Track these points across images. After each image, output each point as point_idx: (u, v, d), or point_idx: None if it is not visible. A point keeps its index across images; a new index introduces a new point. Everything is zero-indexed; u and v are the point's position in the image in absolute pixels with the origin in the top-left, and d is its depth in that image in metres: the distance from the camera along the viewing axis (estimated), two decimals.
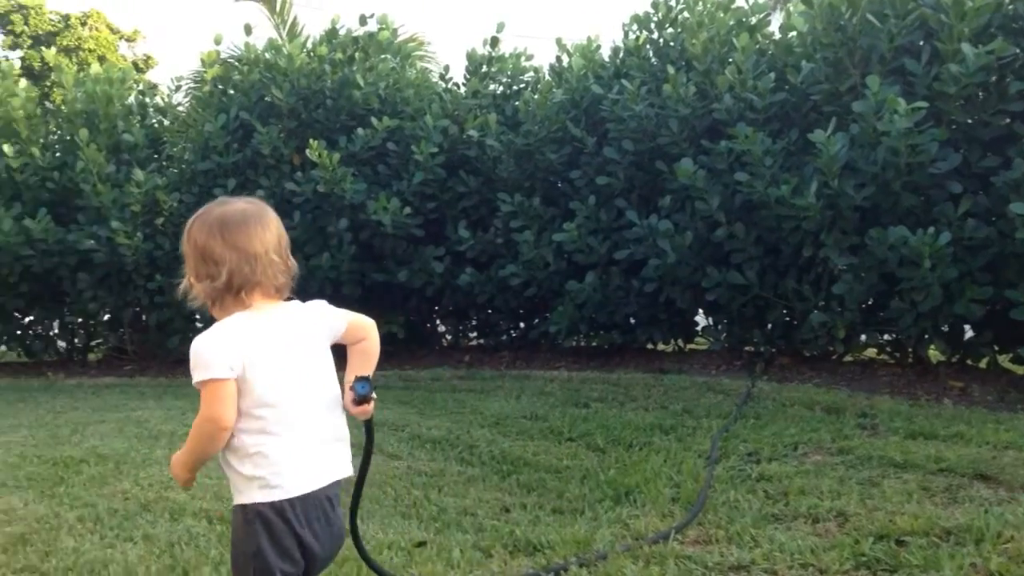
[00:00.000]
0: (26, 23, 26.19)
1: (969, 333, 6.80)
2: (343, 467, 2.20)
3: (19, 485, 4.31)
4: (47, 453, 5.04)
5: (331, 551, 2.18)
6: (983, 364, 6.78)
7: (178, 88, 10.36)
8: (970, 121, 6.31)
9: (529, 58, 9.38)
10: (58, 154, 9.52)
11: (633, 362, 8.14)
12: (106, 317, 9.99)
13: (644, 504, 3.78)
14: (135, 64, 25.82)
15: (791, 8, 7.60)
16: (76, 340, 10.31)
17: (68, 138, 9.47)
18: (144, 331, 9.66)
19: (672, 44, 8.16)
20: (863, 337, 7.22)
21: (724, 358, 7.88)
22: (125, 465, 4.68)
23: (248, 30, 9.34)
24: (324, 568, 2.21)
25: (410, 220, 8.44)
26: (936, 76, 6.17)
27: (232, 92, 9.29)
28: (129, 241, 8.59)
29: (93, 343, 10.38)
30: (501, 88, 9.36)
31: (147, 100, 10.11)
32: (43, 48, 13.32)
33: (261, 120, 8.79)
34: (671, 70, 7.46)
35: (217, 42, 9.59)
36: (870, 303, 7.06)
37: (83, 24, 26.96)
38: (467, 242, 8.57)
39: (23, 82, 10.01)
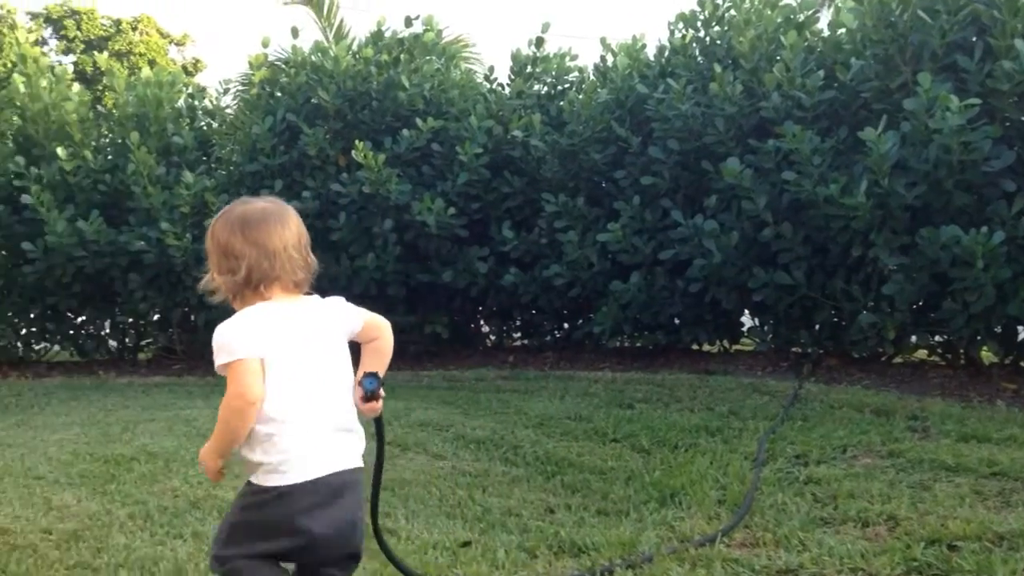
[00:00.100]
0: (79, 28, 26.72)
1: (1023, 334, 6.66)
2: (352, 458, 2.24)
3: (72, 482, 4.39)
4: (99, 451, 5.12)
5: (339, 539, 2.18)
6: None
7: (226, 91, 10.51)
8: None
9: (574, 58, 9.37)
10: (110, 157, 9.68)
11: (678, 363, 8.09)
12: (156, 317, 10.14)
13: (690, 506, 3.75)
14: (184, 68, 26.21)
15: (840, 5, 7.50)
16: (127, 340, 10.48)
17: (119, 141, 9.62)
18: (193, 331, 9.80)
19: (719, 42, 8.10)
20: (913, 338, 7.11)
21: (770, 359, 7.80)
22: (175, 463, 4.75)
23: (295, 33, 9.44)
24: (339, 556, 2.22)
25: (454, 220, 8.46)
26: (989, 73, 6.06)
27: (279, 94, 9.38)
28: (178, 242, 8.71)
29: (143, 343, 10.55)
30: (545, 88, 9.36)
31: (196, 103, 10.23)
32: (95, 53, 13.58)
33: (308, 122, 8.87)
34: (718, 68, 7.40)
35: (265, 45, 9.70)
36: (921, 304, 6.95)
37: (134, 29, 27.43)
38: (511, 242, 8.57)
39: (76, 86, 10.20)
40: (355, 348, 2.38)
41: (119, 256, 9.10)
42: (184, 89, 10.25)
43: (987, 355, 6.91)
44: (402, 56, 9.22)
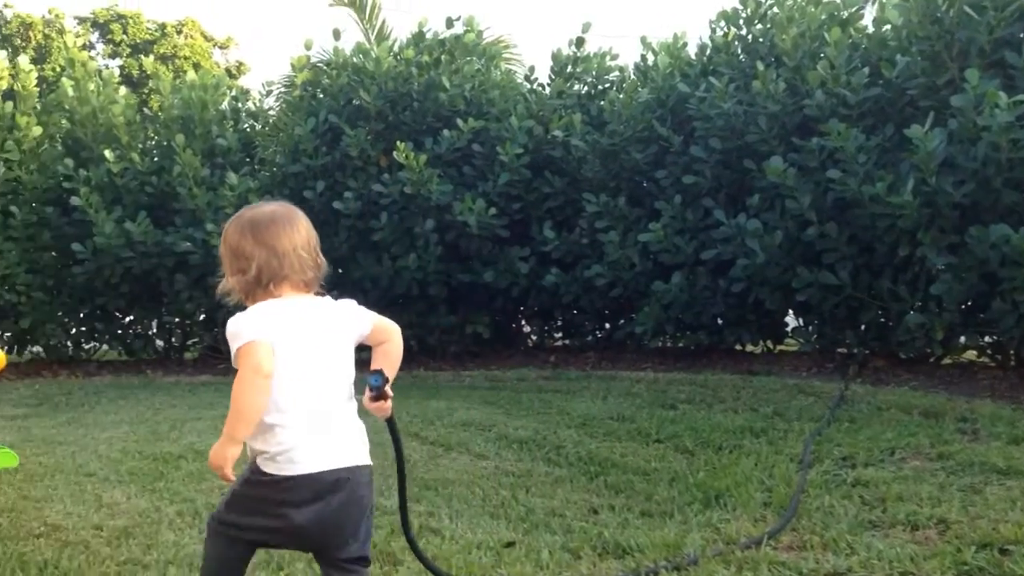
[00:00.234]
0: (125, 32, 27.11)
1: None
2: (350, 456, 2.27)
3: (121, 480, 4.45)
4: (147, 449, 5.20)
5: (322, 534, 2.23)
6: None
7: (269, 93, 10.61)
8: None
9: (614, 57, 9.35)
10: (156, 159, 9.82)
11: (721, 363, 8.03)
12: (202, 317, 10.27)
13: (735, 508, 3.71)
14: (228, 70, 26.53)
15: (885, 1, 7.40)
16: (173, 339, 10.62)
17: (165, 143, 9.75)
18: None
19: (761, 40, 8.03)
20: (962, 339, 7.01)
21: (815, 360, 7.72)
22: None
23: (337, 35, 9.51)
24: (332, 554, 2.26)
25: (495, 221, 8.47)
26: None
27: (321, 96, 9.46)
28: None
29: (189, 342, 10.69)
30: (586, 88, 9.35)
31: (240, 105, 10.35)
32: (142, 56, 13.78)
33: (349, 123, 8.93)
34: (760, 66, 7.34)
35: (308, 47, 9.79)
36: (970, 304, 6.84)
37: (179, 32, 27.78)
38: (552, 242, 8.57)
39: (123, 89, 10.37)
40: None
41: (165, 257, 9.23)
42: (228, 91, 10.38)
43: None
44: (443, 57, 9.25)
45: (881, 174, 6.46)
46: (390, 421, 2.46)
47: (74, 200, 9.24)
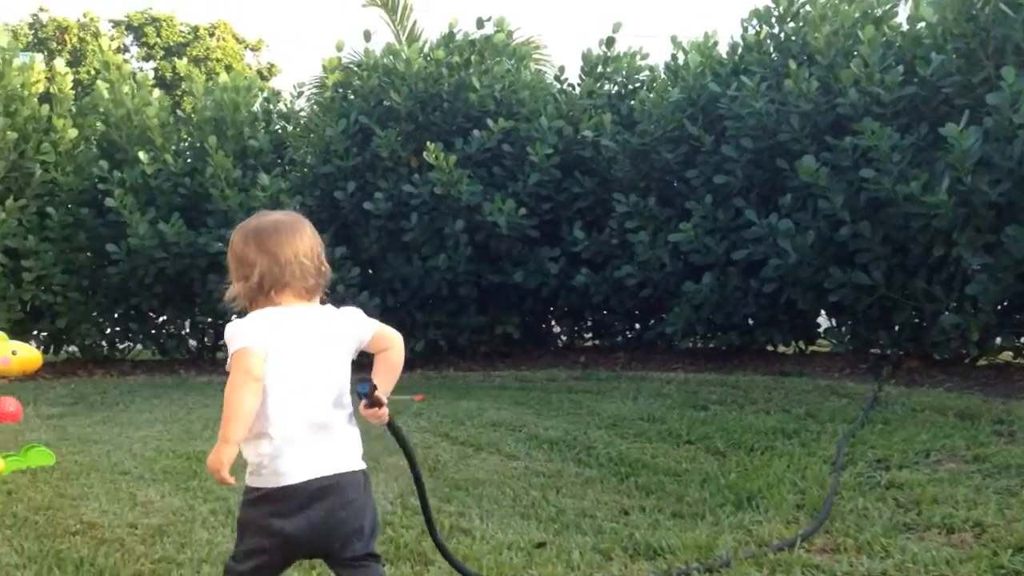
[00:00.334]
0: (158, 35, 27.41)
1: None
2: (338, 463, 2.28)
3: (155, 478, 4.50)
4: (181, 448, 5.24)
5: (316, 538, 2.25)
6: None
7: (300, 94, 10.66)
8: None
9: (644, 57, 9.31)
10: (189, 160, 9.91)
11: (752, 364, 7.98)
12: (234, 317, 10.33)
13: (767, 510, 3.69)
14: (259, 72, 26.70)
15: None
16: (206, 339, 10.71)
17: (198, 145, 9.84)
18: None
19: (794, 38, 7.98)
20: (998, 340, 6.92)
21: (848, 361, 7.66)
22: None
23: (368, 36, 9.54)
24: (331, 551, 2.29)
25: (525, 221, 8.47)
26: None
27: (352, 97, 9.50)
28: None
29: (222, 342, 10.77)
30: (616, 88, 9.33)
31: (271, 107, 10.41)
32: (175, 59, 13.91)
33: (380, 124, 8.97)
34: (792, 65, 7.29)
35: (339, 49, 9.83)
36: (1006, 304, 6.75)
37: (211, 35, 28.04)
38: (582, 243, 8.55)
39: (156, 92, 10.47)
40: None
41: (198, 257, 9.30)
42: (260, 93, 10.44)
43: None
44: (473, 58, 9.27)
45: (916, 173, 6.39)
46: (393, 429, 2.47)
47: (109, 201, 9.35)
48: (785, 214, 7.32)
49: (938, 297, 6.81)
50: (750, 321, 8.16)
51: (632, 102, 8.74)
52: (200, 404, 6.98)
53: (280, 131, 10.28)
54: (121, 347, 10.71)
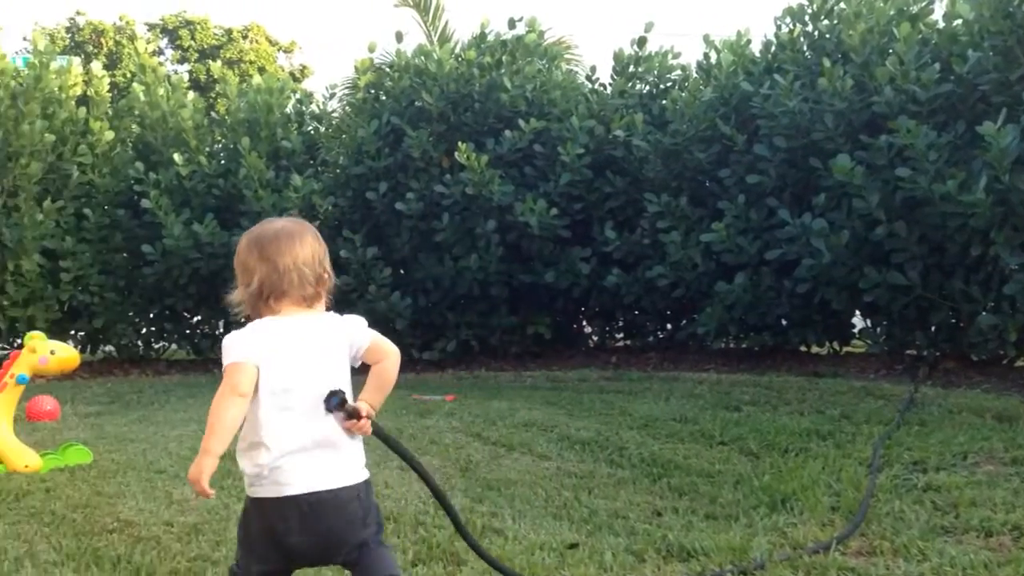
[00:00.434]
0: (193, 38, 27.71)
1: None
2: (335, 478, 2.28)
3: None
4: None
5: (318, 550, 2.29)
6: None
7: (332, 96, 10.72)
8: None
9: (676, 56, 9.27)
10: (223, 161, 10.00)
11: (785, 365, 7.92)
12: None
13: (802, 512, 3.65)
14: (292, 74, 26.93)
15: None
16: None
17: (231, 146, 9.93)
18: None
19: (828, 36, 7.90)
20: None
21: (883, 361, 7.58)
22: None
23: (400, 37, 9.58)
24: (335, 555, 2.31)
25: (556, 221, 8.47)
26: None
27: (384, 98, 9.55)
28: None
29: None
30: (648, 87, 9.30)
31: (304, 108, 10.48)
32: (209, 61, 14.03)
33: (411, 124, 9.00)
34: (827, 63, 7.22)
35: (371, 50, 9.88)
36: None
37: (244, 37, 28.31)
38: (613, 243, 8.53)
39: (191, 94, 10.58)
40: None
41: (232, 258, 9.32)
42: (292, 95, 10.52)
43: None
44: (504, 58, 9.28)
45: (952, 172, 6.31)
46: (380, 436, 2.46)
47: (144, 203, 9.46)
48: (819, 213, 7.26)
49: (975, 297, 6.73)
50: (783, 321, 8.10)
51: (664, 101, 8.70)
52: None
53: (312, 132, 10.35)
54: (156, 347, 10.83)
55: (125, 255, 10.20)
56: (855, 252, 7.11)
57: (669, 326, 9.42)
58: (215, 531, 3.58)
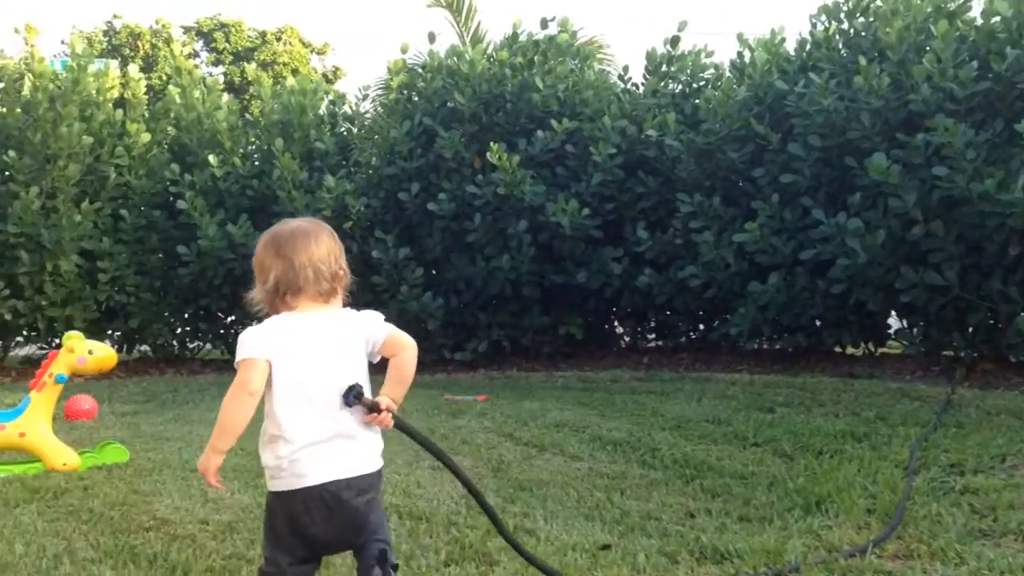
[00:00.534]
0: (227, 40, 27.95)
1: None
2: (353, 466, 2.34)
3: (225, 476, 4.52)
4: (249, 446, 5.25)
5: (342, 538, 2.35)
6: None
7: (365, 97, 10.78)
8: None
9: (709, 55, 9.24)
10: (256, 163, 10.09)
11: (819, 366, 7.85)
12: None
13: (837, 515, 3.61)
14: (325, 75, 27.10)
15: None
16: None
17: (265, 147, 10.01)
18: None
19: (864, 34, 7.83)
20: None
21: (920, 363, 7.49)
22: None
23: (432, 38, 9.61)
24: (345, 549, 2.42)
25: (588, 221, 8.45)
26: None
27: (416, 98, 9.58)
28: None
29: None
30: (680, 87, 9.25)
31: (336, 109, 10.55)
32: (243, 63, 14.15)
33: (444, 125, 9.02)
34: (863, 61, 7.15)
35: (404, 51, 9.92)
36: None
37: (278, 40, 28.51)
38: (645, 243, 8.50)
39: (225, 96, 10.67)
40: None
41: None
42: (325, 96, 10.59)
43: None
44: (536, 58, 9.28)
45: (991, 170, 6.23)
46: (402, 429, 2.49)
47: (180, 204, 9.57)
48: (854, 213, 7.18)
49: (1013, 298, 6.63)
50: (817, 322, 8.03)
51: (697, 101, 8.66)
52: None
53: (345, 133, 10.41)
54: (191, 346, 10.95)
55: (161, 256, 10.32)
56: (891, 252, 7.03)
57: (701, 326, 9.37)
58: (249, 529, 3.60)
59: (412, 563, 3.14)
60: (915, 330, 7.72)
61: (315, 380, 2.32)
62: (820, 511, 3.68)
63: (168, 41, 25.85)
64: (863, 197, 7.21)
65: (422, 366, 9.03)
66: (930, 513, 3.56)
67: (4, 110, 9.93)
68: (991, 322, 7.06)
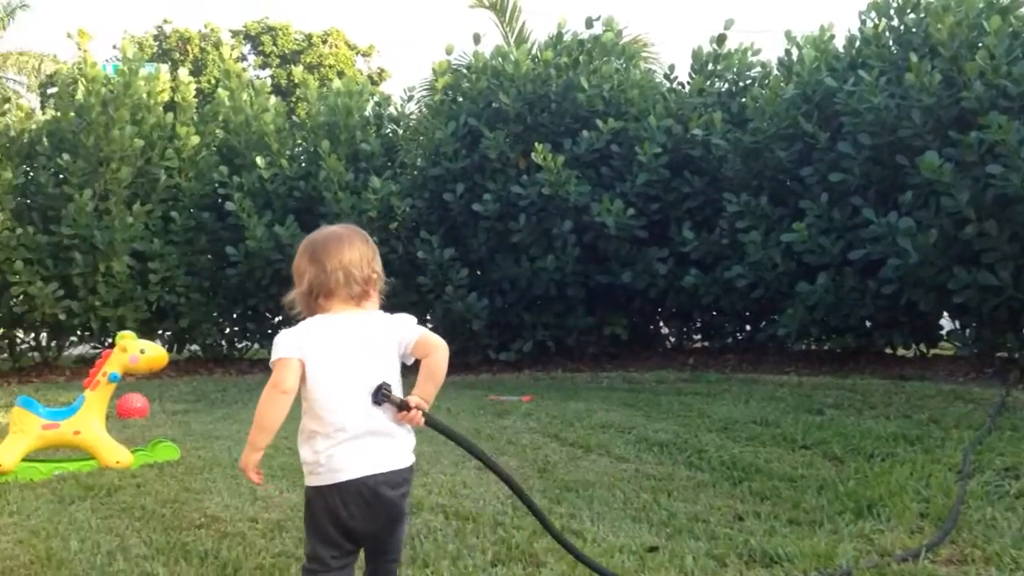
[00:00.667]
0: (274, 44, 28.26)
1: None
2: (388, 461, 2.41)
3: (273, 475, 4.62)
4: (297, 445, 5.36)
5: (380, 528, 2.43)
6: None
7: (410, 98, 10.84)
8: None
9: (756, 53, 9.15)
10: (303, 164, 10.18)
11: (869, 367, 7.74)
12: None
13: (889, 519, 3.56)
14: (370, 77, 27.28)
15: None
16: None
17: (312, 149, 10.10)
18: None
19: (914, 30, 7.70)
20: None
21: (973, 364, 7.35)
22: None
23: (477, 39, 9.63)
24: (383, 541, 2.48)
25: (633, 221, 8.41)
26: None
27: (461, 99, 9.60)
28: None
29: None
30: (727, 85, 9.18)
31: (382, 111, 10.62)
32: (290, 66, 14.30)
33: (488, 126, 9.03)
34: (914, 58, 7.03)
35: (448, 52, 9.95)
36: None
37: (324, 42, 28.76)
38: (691, 243, 8.44)
39: (272, 98, 10.79)
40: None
41: None
42: (371, 98, 10.66)
43: None
44: (581, 58, 9.26)
45: None
46: (434, 426, 2.54)
47: (228, 205, 9.69)
48: (906, 212, 7.07)
49: None
50: (867, 323, 7.91)
51: (743, 99, 8.58)
52: None
53: (391, 134, 10.47)
54: (239, 346, 11.08)
55: (209, 256, 10.47)
56: (943, 252, 6.90)
57: (748, 327, 9.28)
58: (298, 528, 3.63)
59: (459, 563, 3.15)
60: (968, 331, 7.58)
61: (348, 379, 2.39)
62: (871, 515, 3.62)
63: (217, 45, 26.20)
64: (914, 196, 7.09)
65: (467, 366, 9.13)
66: (984, 517, 3.50)
67: (59, 114, 10.15)
68: None
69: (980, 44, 6.85)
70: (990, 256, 6.76)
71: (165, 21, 28.31)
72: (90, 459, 4.91)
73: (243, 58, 28.22)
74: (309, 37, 28.80)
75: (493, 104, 9.14)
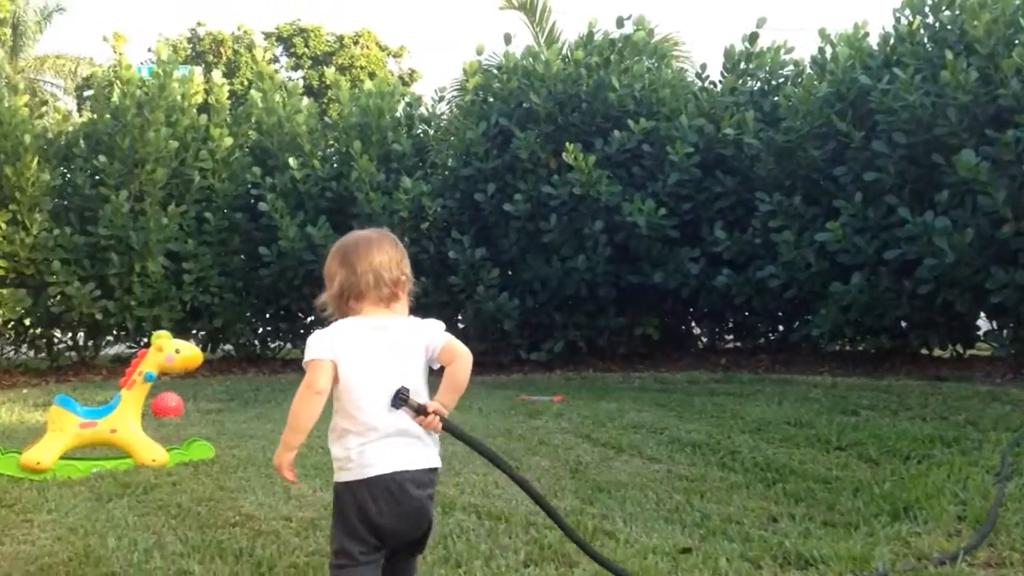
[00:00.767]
0: (306, 45, 28.44)
1: None
2: (415, 460, 2.45)
3: (307, 473, 4.64)
4: (328, 444, 5.39)
5: (407, 528, 2.46)
6: None
7: (441, 99, 10.87)
8: None
9: (789, 51, 9.09)
10: (335, 165, 10.24)
11: (904, 368, 7.66)
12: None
13: (926, 521, 3.52)
14: (401, 78, 27.35)
15: None
16: None
17: (344, 150, 10.16)
18: None
19: (950, 28, 7.61)
20: None
21: (1010, 365, 7.25)
22: None
23: (508, 39, 9.63)
24: (410, 541, 2.52)
25: (665, 221, 8.38)
26: None
27: (492, 100, 9.61)
28: None
29: None
30: (759, 84, 9.12)
31: (413, 111, 10.64)
32: (322, 68, 14.37)
33: (519, 125, 9.03)
34: (949, 55, 6.95)
35: (479, 52, 9.97)
36: None
37: (355, 44, 28.91)
38: (723, 243, 8.40)
39: (305, 100, 10.86)
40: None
41: None
42: (402, 99, 10.69)
43: None
44: (612, 57, 9.23)
45: None
46: (452, 432, 2.55)
47: (261, 206, 9.76)
48: (941, 211, 6.99)
49: None
50: (902, 323, 7.83)
51: (776, 98, 8.53)
52: None
53: (422, 135, 10.50)
54: (272, 346, 11.16)
55: (243, 257, 10.55)
56: (980, 251, 6.82)
57: (781, 327, 9.22)
58: (330, 526, 3.65)
59: (491, 563, 3.15)
60: (1005, 332, 7.48)
61: (376, 379, 2.43)
62: (908, 517, 3.58)
63: (250, 47, 26.39)
64: (951, 195, 7.01)
65: (498, 366, 9.13)
66: (1023, 520, 3.45)
67: (95, 116, 10.27)
68: None
69: (1017, 41, 6.76)
70: None
71: (199, 24, 28.59)
72: (127, 457, 4.96)
73: (275, 60, 28.42)
74: (341, 39, 28.96)
75: (524, 104, 9.14)
